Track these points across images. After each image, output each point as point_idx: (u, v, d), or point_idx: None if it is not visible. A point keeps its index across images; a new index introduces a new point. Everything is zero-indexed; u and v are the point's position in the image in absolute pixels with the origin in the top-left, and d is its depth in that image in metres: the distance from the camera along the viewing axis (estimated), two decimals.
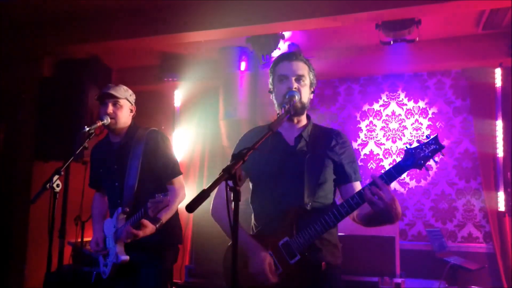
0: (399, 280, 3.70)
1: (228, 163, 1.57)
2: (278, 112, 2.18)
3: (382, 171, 1.90)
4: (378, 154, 5.07)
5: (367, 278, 3.75)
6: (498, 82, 4.62)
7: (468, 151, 4.81)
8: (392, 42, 4.01)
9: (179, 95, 5.56)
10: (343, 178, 2.15)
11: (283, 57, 2.21)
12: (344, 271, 3.74)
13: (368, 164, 5.09)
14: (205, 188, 1.40)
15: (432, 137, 1.87)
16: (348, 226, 2.76)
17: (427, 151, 1.85)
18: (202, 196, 1.37)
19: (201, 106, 5.36)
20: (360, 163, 5.12)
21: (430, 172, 4.87)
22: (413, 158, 1.86)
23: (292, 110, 2.02)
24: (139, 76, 5.06)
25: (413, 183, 4.94)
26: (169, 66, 4.98)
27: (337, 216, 1.93)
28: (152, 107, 5.22)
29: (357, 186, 2.15)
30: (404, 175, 4.89)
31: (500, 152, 4.56)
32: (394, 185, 4.97)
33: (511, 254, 4.33)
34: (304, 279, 1.96)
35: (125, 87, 2.89)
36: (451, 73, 4.96)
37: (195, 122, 5.40)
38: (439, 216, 4.82)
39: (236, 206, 1.44)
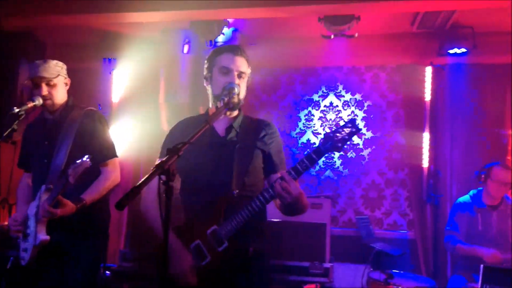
0: (328, 265, 3.88)
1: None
2: (212, 102, 2.21)
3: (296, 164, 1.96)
4: (315, 143, 5.23)
5: (298, 263, 3.90)
6: (428, 80, 4.88)
7: (398, 143, 5.08)
8: (332, 37, 4.13)
9: (118, 75, 5.38)
10: (270, 167, 2.22)
11: (227, 48, 2.21)
12: (276, 256, 3.90)
13: (305, 152, 5.23)
14: (136, 185, 1.39)
15: (348, 120, 1.93)
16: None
17: (344, 133, 1.91)
18: (132, 194, 1.37)
19: (140, 88, 5.23)
20: (297, 151, 5.28)
21: (363, 162, 5.11)
22: (332, 141, 1.90)
23: (231, 104, 2.05)
24: (76, 53, 4.79)
25: (346, 172, 5.16)
26: (108, 44, 4.79)
27: (257, 203, 1.98)
28: (89, 86, 5.01)
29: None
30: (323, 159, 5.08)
31: (426, 146, 4.84)
32: (328, 172, 5.17)
33: (430, 241, 4.68)
34: (233, 266, 2.00)
35: (54, 62, 2.74)
36: (387, 68, 5.18)
37: (133, 103, 5.26)
38: (368, 204, 5.09)
39: (169, 201, 1.45)
